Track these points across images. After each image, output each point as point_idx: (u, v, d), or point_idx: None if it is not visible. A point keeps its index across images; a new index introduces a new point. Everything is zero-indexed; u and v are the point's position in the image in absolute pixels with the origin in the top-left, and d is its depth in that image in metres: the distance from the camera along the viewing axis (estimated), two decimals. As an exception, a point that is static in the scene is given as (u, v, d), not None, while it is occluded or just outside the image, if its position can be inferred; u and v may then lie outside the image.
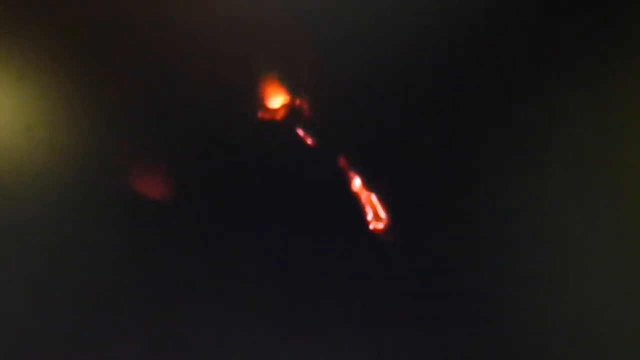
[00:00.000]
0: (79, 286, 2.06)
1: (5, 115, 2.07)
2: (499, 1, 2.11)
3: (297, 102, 2.13)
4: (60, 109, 2.08)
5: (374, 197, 2.13)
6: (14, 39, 2.05)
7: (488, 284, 2.12)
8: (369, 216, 2.13)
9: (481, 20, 2.12)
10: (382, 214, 2.12)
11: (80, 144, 2.08)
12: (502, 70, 2.13)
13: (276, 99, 2.13)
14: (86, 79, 2.09)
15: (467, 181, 2.14)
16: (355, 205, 2.13)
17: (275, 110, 2.14)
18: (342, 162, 2.13)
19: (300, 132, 2.13)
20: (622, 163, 2.12)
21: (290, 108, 2.14)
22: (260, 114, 2.13)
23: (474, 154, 2.14)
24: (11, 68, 2.06)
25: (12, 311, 2.04)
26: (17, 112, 2.07)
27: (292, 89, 2.13)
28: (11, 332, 2.04)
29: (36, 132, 2.08)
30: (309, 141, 2.14)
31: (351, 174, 2.13)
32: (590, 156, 2.12)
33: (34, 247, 2.07)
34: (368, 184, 2.13)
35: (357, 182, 2.13)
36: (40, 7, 2.05)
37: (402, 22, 2.10)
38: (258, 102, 2.12)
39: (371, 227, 2.13)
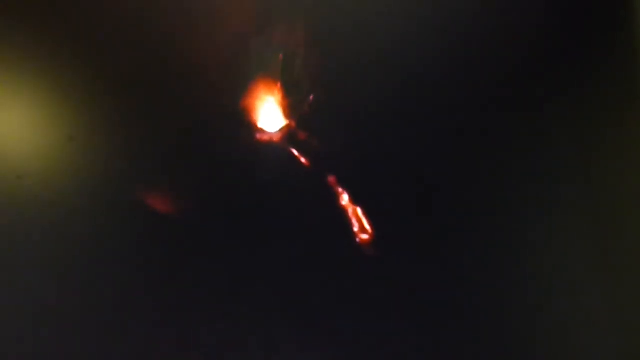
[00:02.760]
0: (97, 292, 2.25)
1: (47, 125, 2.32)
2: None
3: (293, 125, 2.37)
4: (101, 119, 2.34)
5: (360, 211, 2.31)
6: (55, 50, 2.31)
7: (475, 295, 2.24)
8: (355, 228, 2.30)
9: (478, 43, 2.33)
10: (368, 226, 2.30)
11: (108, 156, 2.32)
12: (490, 87, 2.32)
13: (273, 123, 2.38)
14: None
15: (451, 195, 2.30)
16: (343, 218, 2.31)
17: (272, 133, 2.38)
18: (331, 179, 2.33)
19: (295, 152, 2.36)
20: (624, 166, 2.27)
21: (286, 131, 2.38)
22: (258, 136, 2.37)
23: (459, 168, 2.30)
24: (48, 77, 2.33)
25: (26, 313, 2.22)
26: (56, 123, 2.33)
27: (288, 114, 2.38)
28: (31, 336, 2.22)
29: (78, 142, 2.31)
30: (303, 160, 2.35)
31: (340, 189, 2.33)
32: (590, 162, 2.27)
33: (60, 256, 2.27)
34: (355, 199, 2.32)
35: (345, 197, 2.32)
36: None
37: (394, 48, 2.32)
38: (257, 125, 2.37)
39: (357, 239, 2.30)
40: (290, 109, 2.38)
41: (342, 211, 2.32)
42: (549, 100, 2.29)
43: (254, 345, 2.23)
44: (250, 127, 2.37)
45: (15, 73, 2.28)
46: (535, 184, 2.27)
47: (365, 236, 2.30)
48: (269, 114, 2.38)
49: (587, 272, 2.21)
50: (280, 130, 2.38)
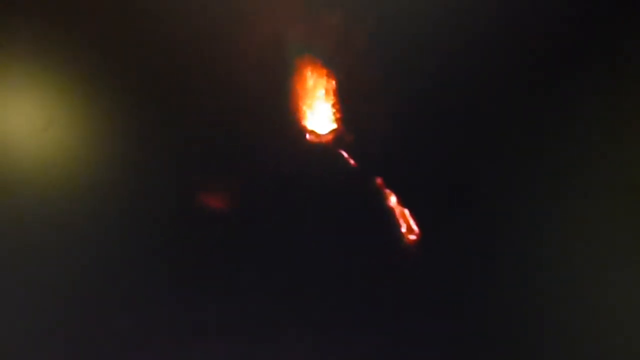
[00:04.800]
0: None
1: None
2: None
3: (343, 129, 2.46)
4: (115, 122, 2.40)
5: (407, 212, 2.41)
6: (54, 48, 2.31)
7: (515, 294, 2.34)
8: (403, 229, 2.41)
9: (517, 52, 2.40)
10: (415, 227, 2.41)
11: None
12: (535, 99, 2.40)
13: (325, 126, 2.46)
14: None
15: (493, 199, 2.39)
16: (390, 219, 2.42)
17: (323, 135, 2.46)
18: (379, 181, 2.43)
19: (344, 154, 2.45)
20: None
21: (336, 134, 2.46)
22: (309, 138, 2.45)
23: (505, 171, 2.39)
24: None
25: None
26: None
27: (339, 119, 2.46)
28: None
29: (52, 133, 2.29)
30: (352, 162, 2.45)
31: (388, 191, 2.43)
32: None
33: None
34: (402, 201, 2.42)
35: (393, 199, 2.42)
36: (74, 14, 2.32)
37: (439, 57, 2.38)
38: (308, 127, 2.46)
39: (405, 239, 2.41)
40: (340, 112, 2.46)
41: (390, 212, 2.42)
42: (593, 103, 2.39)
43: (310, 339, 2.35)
44: (301, 130, 2.45)
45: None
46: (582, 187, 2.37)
47: (412, 237, 2.40)
48: (320, 116, 2.46)
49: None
50: (330, 132, 2.46)
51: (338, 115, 2.46)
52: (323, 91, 2.44)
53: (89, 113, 2.30)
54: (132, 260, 2.30)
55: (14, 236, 2.24)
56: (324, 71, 2.42)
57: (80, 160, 2.29)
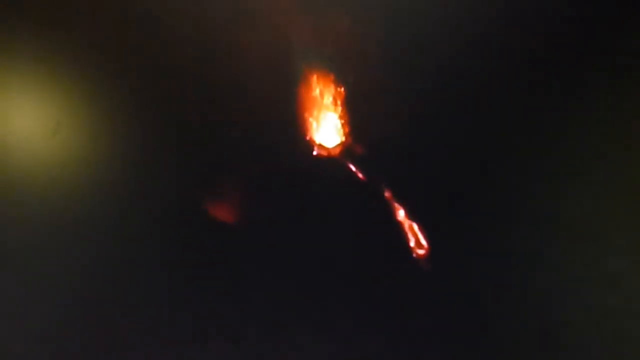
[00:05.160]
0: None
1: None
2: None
3: (350, 141, 2.43)
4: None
5: (415, 226, 2.37)
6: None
7: (526, 310, 2.31)
8: (412, 243, 2.37)
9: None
10: (424, 241, 2.36)
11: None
12: (539, 105, 2.38)
13: (333, 139, 2.44)
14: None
15: (500, 213, 2.36)
16: (399, 233, 2.38)
17: (331, 149, 2.44)
18: (388, 194, 2.40)
19: (352, 167, 2.42)
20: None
21: (344, 147, 2.44)
22: (317, 151, 2.43)
23: (516, 186, 2.36)
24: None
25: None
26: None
27: (347, 131, 2.44)
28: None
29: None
30: (360, 175, 2.42)
31: (396, 205, 2.39)
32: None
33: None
34: (411, 215, 2.38)
35: (401, 213, 2.38)
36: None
37: (451, 66, 2.37)
38: (316, 140, 2.44)
39: (414, 253, 2.37)
40: (348, 125, 2.44)
41: (399, 226, 2.38)
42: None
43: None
44: (309, 143, 2.43)
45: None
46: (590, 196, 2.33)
47: (421, 251, 2.36)
48: (328, 129, 2.44)
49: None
50: (338, 145, 2.44)
51: (346, 127, 2.44)
52: (330, 101, 2.42)
53: (96, 114, 2.31)
54: (134, 261, 2.29)
55: (20, 237, 2.25)
56: (332, 80, 2.40)
57: (86, 161, 2.30)
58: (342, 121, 2.44)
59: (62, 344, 2.24)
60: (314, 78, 2.40)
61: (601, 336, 2.25)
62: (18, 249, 2.24)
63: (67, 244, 2.26)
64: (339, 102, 2.43)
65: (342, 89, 2.42)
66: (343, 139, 2.44)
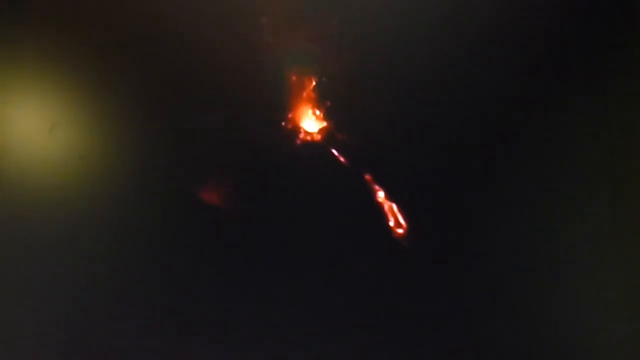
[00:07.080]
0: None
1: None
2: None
3: (332, 128, 2.55)
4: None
5: (395, 207, 2.51)
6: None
7: (502, 287, 2.42)
8: (391, 223, 2.50)
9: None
10: (402, 221, 2.50)
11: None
12: (527, 91, 2.45)
13: (316, 125, 2.56)
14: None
15: (486, 192, 2.46)
16: (379, 214, 2.51)
17: (314, 134, 2.56)
18: (368, 177, 2.53)
19: (335, 152, 2.55)
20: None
21: (327, 133, 2.56)
22: (300, 136, 2.55)
23: (494, 167, 2.46)
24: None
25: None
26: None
27: (328, 115, 2.56)
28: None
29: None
30: (342, 159, 2.54)
31: (376, 187, 2.52)
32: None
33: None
34: (390, 196, 2.51)
35: (381, 194, 2.52)
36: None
37: (433, 50, 2.44)
38: (299, 125, 2.56)
39: (393, 233, 2.50)
40: (329, 110, 2.56)
41: (379, 207, 2.51)
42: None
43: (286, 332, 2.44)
44: (292, 128, 2.55)
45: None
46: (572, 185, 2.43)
47: (400, 230, 2.50)
48: (311, 116, 2.56)
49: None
50: (320, 130, 2.56)
51: (329, 114, 2.56)
52: (313, 89, 2.54)
53: (91, 114, 2.40)
54: (131, 259, 2.39)
55: (19, 236, 2.32)
56: (314, 71, 2.52)
57: (82, 159, 2.38)
58: (325, 108, 2.56)
59: (62, 344, 2.34)
60: (300, 70, 2.52)
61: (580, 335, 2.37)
62: (16, 248, 2.31)
63: (66, 243, 2.34)
64: (321, 91, 2.54)
65: (325, 79, 2.53)
66: (325, 125, 2.56)
